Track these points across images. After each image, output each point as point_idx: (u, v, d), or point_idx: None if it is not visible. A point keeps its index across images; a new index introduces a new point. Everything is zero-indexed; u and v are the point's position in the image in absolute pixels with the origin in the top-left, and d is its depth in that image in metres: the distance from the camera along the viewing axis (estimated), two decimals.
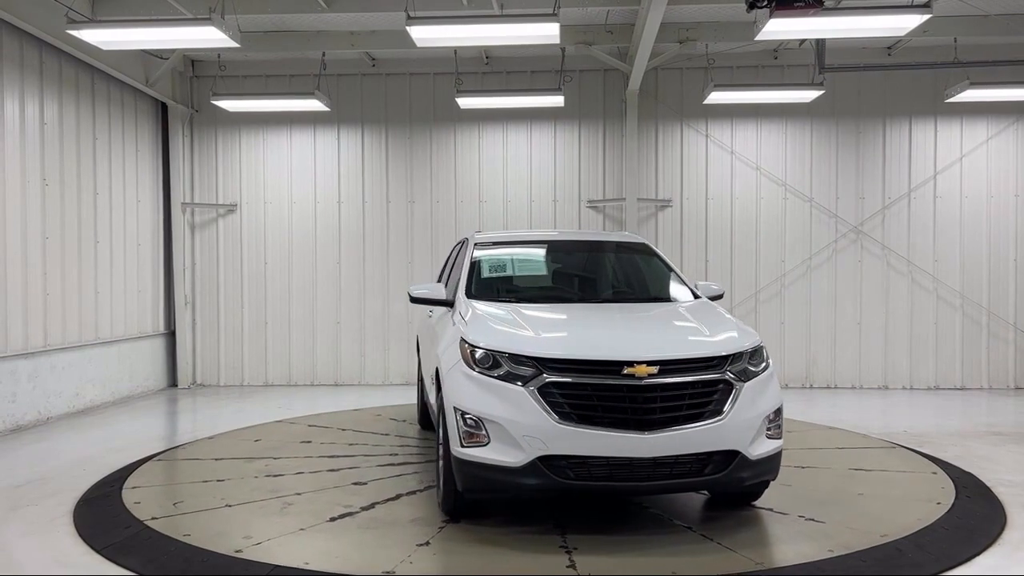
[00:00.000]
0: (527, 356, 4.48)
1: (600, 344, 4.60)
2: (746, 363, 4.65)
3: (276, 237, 11.21)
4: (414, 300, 5.78)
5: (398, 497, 5.43)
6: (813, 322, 10.82)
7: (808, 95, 9.91)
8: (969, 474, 6.08)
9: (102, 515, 5.15)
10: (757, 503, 5.25)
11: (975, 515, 5.08)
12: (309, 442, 7.24)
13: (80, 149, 9.25)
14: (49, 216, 8.67)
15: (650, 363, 4.36)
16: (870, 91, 10.77)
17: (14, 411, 8.05)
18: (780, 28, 7.30)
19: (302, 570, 4.15)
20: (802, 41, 9.97)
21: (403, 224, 11.13)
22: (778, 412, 4.73)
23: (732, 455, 4.47)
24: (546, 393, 4.35)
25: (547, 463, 4.32)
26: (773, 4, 6.53)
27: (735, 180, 10.90)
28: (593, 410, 4.33)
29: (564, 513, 5.06)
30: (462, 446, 4.51)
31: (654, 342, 4.68)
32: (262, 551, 4.42)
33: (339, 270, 11.17)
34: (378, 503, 5.31)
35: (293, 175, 11.20)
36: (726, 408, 4.45)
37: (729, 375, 4.52)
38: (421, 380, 7.60)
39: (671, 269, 6.18)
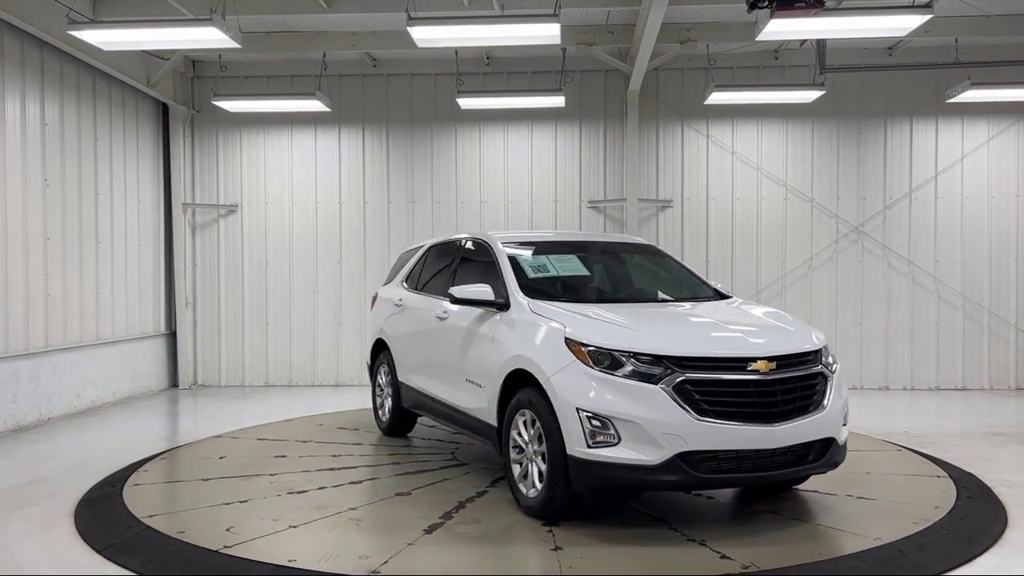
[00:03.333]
0: (655, 355, 4.53)
1: (724, 342, 4.84)
2: (826, 356, 4.96)
3: (277, 237, 11.21)
4: (457, 301, 5.70)
5: (463, 505, 5.22)
6: (814, 322, 10.77)
7: (809, 95, 9.91)
8: (970, 474, 6.08)
9: (103, 515, 5.14)
10: (800, 487, 5.50)
11: (976, 516, 5.08)
12: (284, 456, 6.63)
13: (81, 149, 9.25)
14: (50, 216, 8.68)
15: (770, 359, 4.59)
16: (871, 91, 10.76)
17: (15, 411, 8.05)
18: (781, 28, 7.31)
19: (304, 570, 4.13)
20: (803, 41, 9.97)
21: (404, 225, 11.12)
22: (847, 401, 5.05)
23: (829, 442, 4.76)
24: (680, 390, 4.43)
25: (684, 459, 4.39)
26: (774, 4, 6.53)
27: (736, 180, 10.90)
28: (726, 405, 4.47)
29: (656, 509, 5.11)
30: (588, 447, 4.49)
31: (765, 339, 4.90)
32: (398, 567, 4.16)
33: (340, 270, 11.17)
34: (451, 512, 5.06)
35: (294, 175, 11.20)
36: (826, 398, 4.77)
37: (823, 367, 4.85)
38: (394, 385, 7.13)
39: (691, 272, 6.37)
